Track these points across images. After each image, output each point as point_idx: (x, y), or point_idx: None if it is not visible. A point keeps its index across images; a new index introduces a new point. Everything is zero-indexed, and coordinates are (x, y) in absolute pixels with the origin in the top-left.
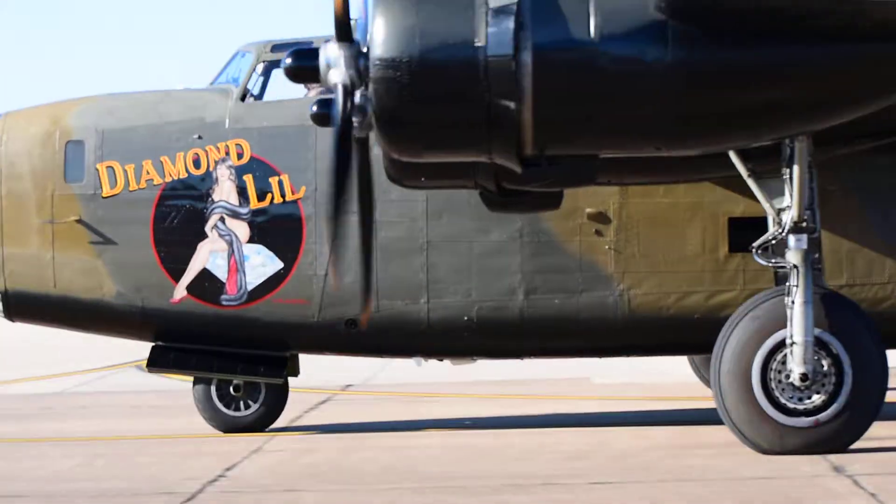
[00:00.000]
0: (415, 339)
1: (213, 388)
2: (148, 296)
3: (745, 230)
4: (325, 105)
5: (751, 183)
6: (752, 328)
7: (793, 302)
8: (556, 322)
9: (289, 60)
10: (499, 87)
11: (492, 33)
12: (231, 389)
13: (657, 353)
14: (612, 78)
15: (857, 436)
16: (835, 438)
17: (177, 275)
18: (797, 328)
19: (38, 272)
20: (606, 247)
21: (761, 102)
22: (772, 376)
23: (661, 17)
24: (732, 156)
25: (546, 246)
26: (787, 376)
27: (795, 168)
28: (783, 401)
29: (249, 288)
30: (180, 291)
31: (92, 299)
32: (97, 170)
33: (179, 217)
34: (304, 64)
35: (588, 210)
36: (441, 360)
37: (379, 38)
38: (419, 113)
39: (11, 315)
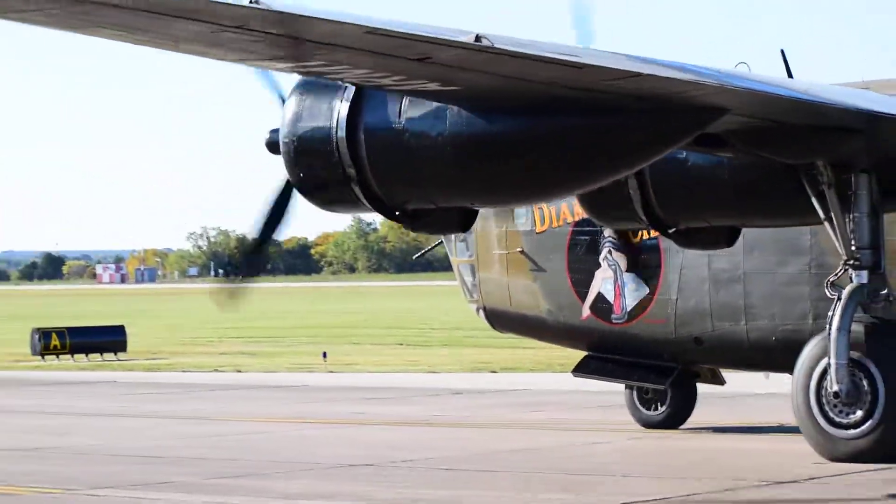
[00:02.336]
0: (738, 354)
1: (634, 392)
2: (567, 314)
3: None
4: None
5: (827, 226)
6: (816, 349)
7: (830, 329)
8: None
9: (266, 136)
10: (346, 156)
11: (339, 118)
12: (645, 393)
13: None
14: (413, 149)
15: None
16: (878, 450)
17: (583, 297)
18: (832, 352)
19: (499, 292)
20: None
21: (522, 169)
22: (823, 392)
23: (443, 102)
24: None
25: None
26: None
27: (855, 212)
28: (831, 414)
29: (629, 309)
30: (585, 311)
31: (533, 315)
32: (532, 210)
33: (584, 249)
34: (271, 139)
35: None
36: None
37: (282, 120)
38: (305, 176)
39: (492, 325)
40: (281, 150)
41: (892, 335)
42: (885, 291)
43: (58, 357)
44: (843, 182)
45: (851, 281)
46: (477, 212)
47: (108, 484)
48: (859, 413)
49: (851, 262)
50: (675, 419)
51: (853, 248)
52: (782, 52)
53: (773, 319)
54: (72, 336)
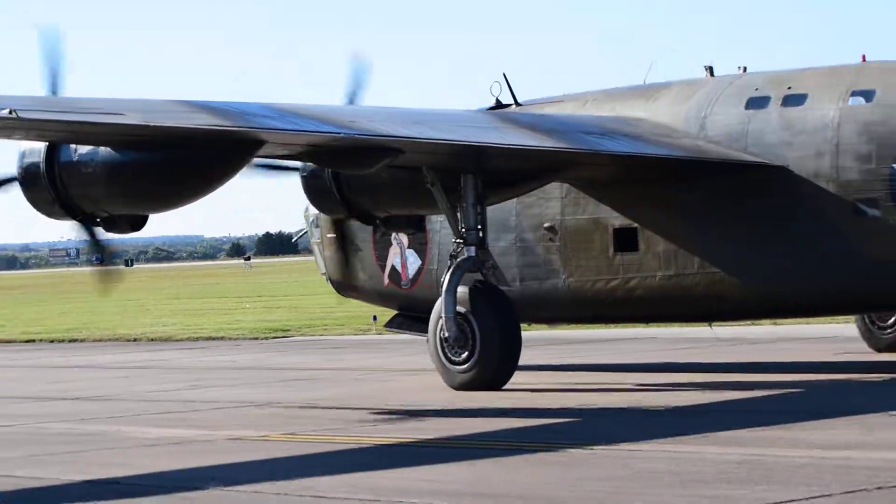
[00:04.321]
0: None
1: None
2: (376, 282)
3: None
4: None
5: (450, 214)
6: (438, 305)
7: (442, 290)
8: None
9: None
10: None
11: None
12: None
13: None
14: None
15: (503, 380)
16: (478, 380)
17: (383, 269)
18: (443, 307)
19: (337, 267)
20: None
21: (139, 188)
22: (441, 337)
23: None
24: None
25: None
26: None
27: (463, 203)
28: (449, 354)
29: (410, 277)
30: (385, 279)
31: (358, 284)
32: None
33: (382, 232)
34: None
35: (546, 225)
36: None
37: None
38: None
39: (337, 291)
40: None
41: (486, 295)
42: (490, 262)
43: None
44: (454, 181)
45: (461, 254)
46: (147, 217)
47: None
48: (465, 354)
49: (461, 240)
50: None
51: (462, 229)
52: (504, 75)
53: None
54: None
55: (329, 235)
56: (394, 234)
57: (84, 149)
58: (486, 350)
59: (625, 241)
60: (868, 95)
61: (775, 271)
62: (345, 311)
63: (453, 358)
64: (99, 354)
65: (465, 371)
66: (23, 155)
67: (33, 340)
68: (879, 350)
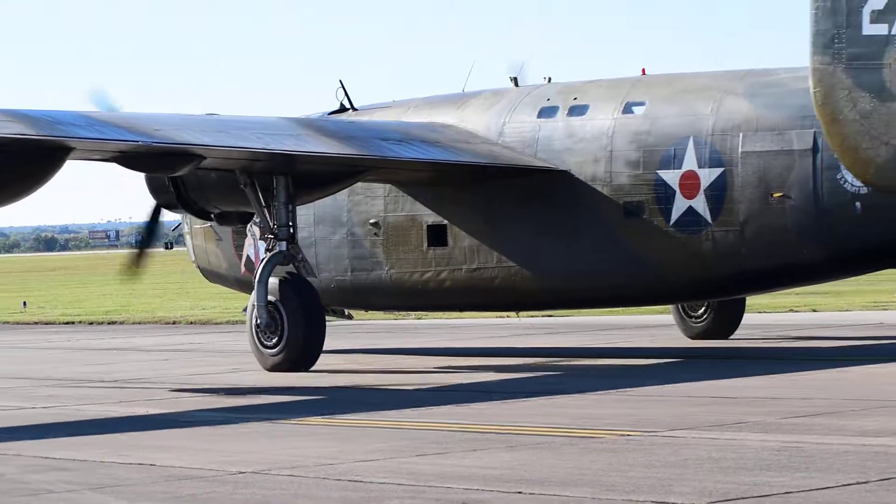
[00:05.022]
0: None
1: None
2: (234, 270)
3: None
4: None
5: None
6: (252, 294)
7: (255, 281)
8: None
9: None
10: None
11: None
12: None
13: None
14: None
15: (309, 363)
16: (286, 362)
17: (240, 258)
18: (256, 296)
19: (203, 255)
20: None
21: None
22: (255, 323)
23: None
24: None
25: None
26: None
27: (275, 202)
28: (262, 339)
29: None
30: (242, 268)
31: (221, 272)
32: None
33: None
34: None
35: (371, 220)
36: None
37: None
38: None
39: (205, 278)
40: None
41: (293, 285)
42: (300, 255)
43: None
44: (267, 181)
45: (274, 249)
46: None
47: (684, 426)
48: (275, 339)
49: (273, 236)
50: None
51: (274, 226)
52: (341, 81)
53: (331, 272)
54: None
55: (196, 227)
56: (248, 227)
57: None
58: (293, 335)
59: (437, 236)
60: (638, 107)
61: (561, 266)
62: None
63: (265, 342)
64: (138, 337)
65: (275, 354)
66: None
67: (72, 322)
68: (692, 338)
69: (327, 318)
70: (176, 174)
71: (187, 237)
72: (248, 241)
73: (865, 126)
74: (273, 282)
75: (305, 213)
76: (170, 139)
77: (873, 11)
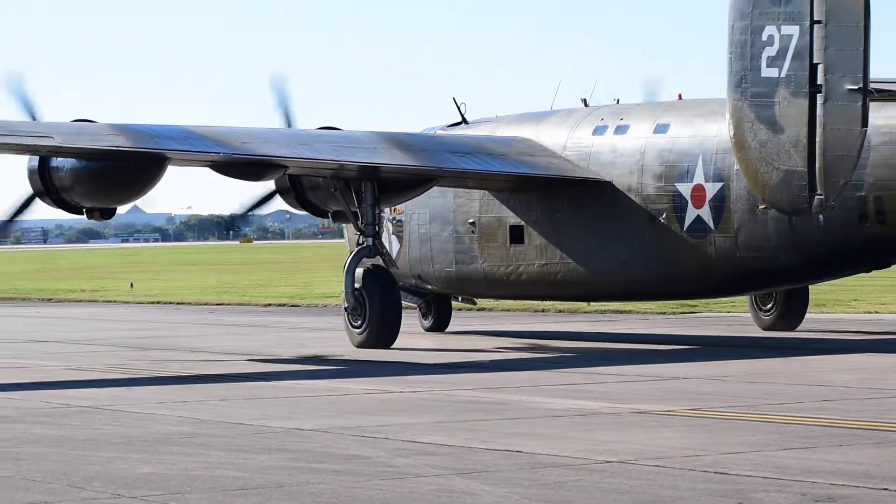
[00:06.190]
0: (436, 284)
1: (417, 308)
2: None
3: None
4: None
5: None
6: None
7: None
8: None
9: None
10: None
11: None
12: (420, 308)
13: None
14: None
15: (388, 343)
16: (371, 340)
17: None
18: (345, 283)
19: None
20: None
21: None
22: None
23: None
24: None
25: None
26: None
27: (363, 204)
28: (350, 320)
29: (394, 258)
30: None
31: None
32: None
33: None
34: None
35: (469, 220)
36: None
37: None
38: None
39: None
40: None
41: (376, 276)
42: (384, 250)
43: None
44: (356, 186)
45: (362, 244)
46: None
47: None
48: (361, 320)
49: (361, 233)
50: (440, 325)
51: (362, 224)
52: (454, 98)
53: (441, 264)
54: None
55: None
56: (385, 224)
57: (62, 161)
58: (374, 317)
59: (516, 235)
60: (665, 128)
61: (604, 264)
62: None
63: (353, 323)
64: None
65: (360, 333)
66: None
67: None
68: (764, 329)
69: (456, 304)
70: (260, 181)
71: (344, 229)
72: (388, 238)
73: (763, 153)
74: (359, 272)
75: (422, 212)
76: (252, 151)
77: (769, 57)
